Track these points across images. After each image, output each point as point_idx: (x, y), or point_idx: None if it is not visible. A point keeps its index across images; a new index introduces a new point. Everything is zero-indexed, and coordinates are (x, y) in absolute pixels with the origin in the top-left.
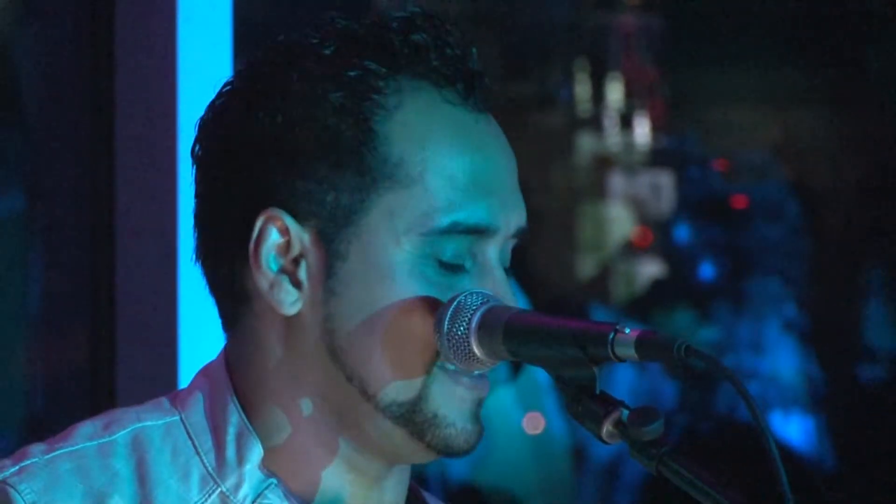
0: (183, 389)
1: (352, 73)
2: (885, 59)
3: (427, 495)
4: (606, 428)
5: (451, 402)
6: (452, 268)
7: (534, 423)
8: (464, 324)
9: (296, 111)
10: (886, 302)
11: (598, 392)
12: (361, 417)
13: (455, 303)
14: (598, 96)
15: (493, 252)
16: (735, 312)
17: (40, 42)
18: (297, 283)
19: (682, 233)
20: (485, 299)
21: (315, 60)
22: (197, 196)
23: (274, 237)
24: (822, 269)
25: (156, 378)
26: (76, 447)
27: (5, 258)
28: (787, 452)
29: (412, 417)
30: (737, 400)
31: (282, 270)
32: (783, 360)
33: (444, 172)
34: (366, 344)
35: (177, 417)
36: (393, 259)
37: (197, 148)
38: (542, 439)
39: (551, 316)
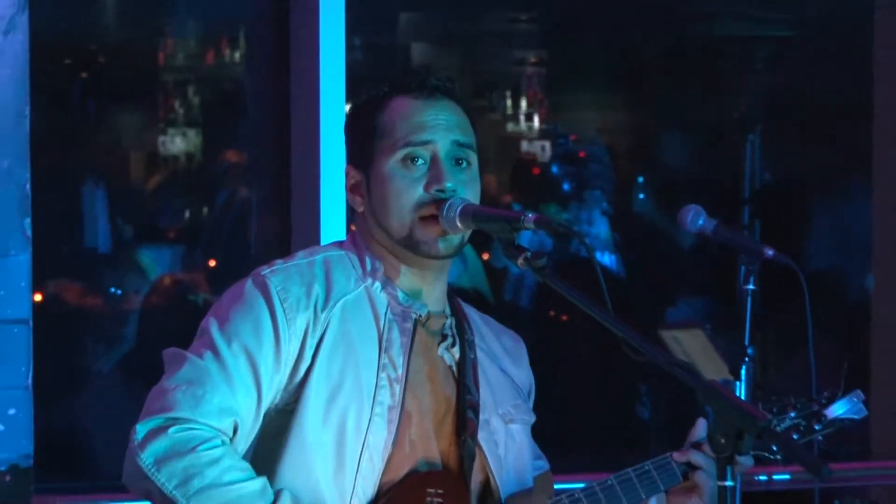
0: (344, 241)
1: (374, 98)
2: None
3: (457, 298)
4: (520, 260)
5: (425, 235)
6: (412, 163)
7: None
8: (454, 209)
9: (355, 116)
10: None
11: (516, 244)
12: (394, 245)
13: (447, 201)
14: (516, 105)
15: (438, 154)
16: (578, 207)
17: (247, 62)
18: (361, 196)
19: (556, 168)
20: (465, 204)
21: (372, 94)
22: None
23: (349, 179)
24: (616, 185)
25: None
26: (296, 262)
27: None
28: (605, 271)
29: (408, 242)
30: (580, 248)
31: (354, 192)
32: (601, 229)
33: (401, 123)
34: (385, 212)
35: (343, 252)
36: (386, 168)
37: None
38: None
39: (489, 207)
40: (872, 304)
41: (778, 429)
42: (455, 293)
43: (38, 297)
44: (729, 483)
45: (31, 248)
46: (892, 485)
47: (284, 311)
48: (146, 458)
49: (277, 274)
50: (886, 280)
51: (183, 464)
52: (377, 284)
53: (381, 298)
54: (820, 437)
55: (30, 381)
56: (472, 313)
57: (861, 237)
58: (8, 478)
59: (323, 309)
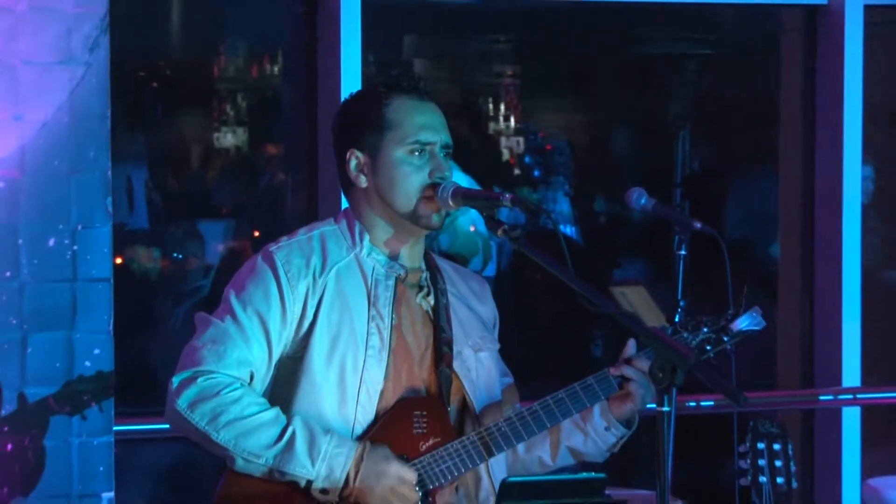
0: (338, 216)
1: (376, 95)
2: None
3: (433, 254)
4: (499, 231)
5: (425, 210)
6: (418, 154)
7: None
8: (447, 192)
9: (360, 107)
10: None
11: (496, 218)
12: (394, 216)
13: (441, 185)
14: (496, 109)
15: (435, 149)
16: (545, 189)
17: (283, 74)
18: (365, 174)
19: (528, 159)
20: (456, 187)
21: (369, 92)
22: (333, 149)
23: (353, 159)
24: (576, 170)
25: None
26: (297, 238)
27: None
28: (566, 240)
29: (409, 215)
30: (547, 221)
31: (359, 171)
32: (563, 206)
33: (407, 119)
34: (392, 190)
35: (336, 227)
36: (396, 156)
37: (333, 125)
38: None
39: (475, 188)
40: (778, 265)
41: (694, 342)
42: (431, 251)
43: (118, 261)
44: (666, 408)
45: (111, 221)
46: (792, 409)
47: (288, 279)
48: (181, 403)
49: (282, 249)
50: (788, 247)
51: (211, 405)
52: (364, 251)
53: (368, 262)
54: (729, 346)
55: (111, 327)
56: (444, 265)
57: (768, 213)
58: (93, 404)
59: (320, 275)
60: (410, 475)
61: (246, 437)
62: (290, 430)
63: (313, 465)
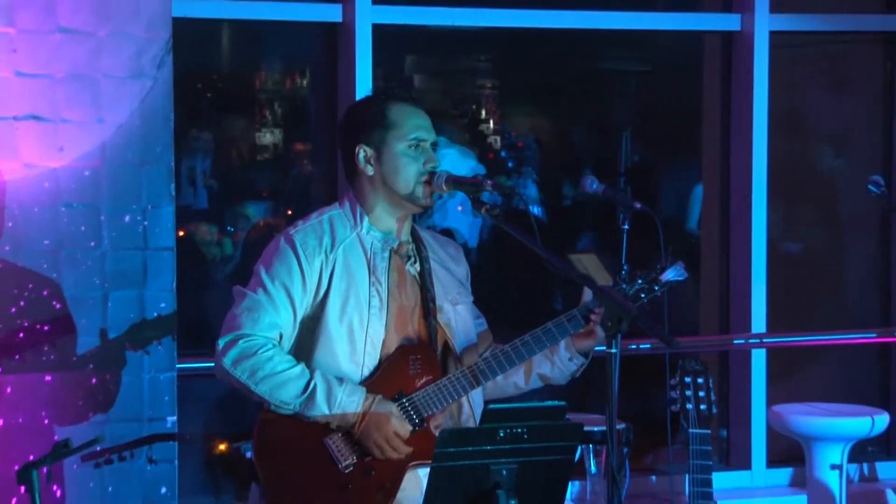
0: (342, 200)
1: (379, 101)
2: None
3: (417, 227)
4: (482, 210)
5: (422, 192)
6: (416, 149)
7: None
8: (441, 178)
9: (365, 111)
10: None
11: (480, 199)
12: (394, 197)
13: (436, 173)
14: (479, 113)
15: (427, 145)
16: (518, 177)
17: (311, 87)
18: (371, 165)
19: (504, 153)
20: (448, 175)
21: (372, 99)
22: (340, 144)
23: (361, 152)
24: (542, 162)
25: None
26: (311, 222)
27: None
28: (535, 217)
29: (409, 197)
30: (519, 203)
31: (366, 162)
32: (532, 191)
33: (406, 121)
34: (396, 177)
35: (341, 210)
36: (398, 149)
37: (341, 126)
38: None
39: (462, 176)
40: (700, 237)
41: (631, 291)
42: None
43: (180, 234)
44: (613, 350)
45: (174, 202)
46: (712, 351)
47: (306, 256)
48: (226, 361)
49: (299, 233)
50: (708, 222)
51: (250, 363)
52: (364, 230)
53: (367, 239)
54: (659, 293)
55: (174, 286)
56: (426, 235)
57: (694, 196)
58: (160, 347)
59: (331, 251)
60: (403, 430)
61: (278, 389)
62: (312, 383)
63: (330, 411)
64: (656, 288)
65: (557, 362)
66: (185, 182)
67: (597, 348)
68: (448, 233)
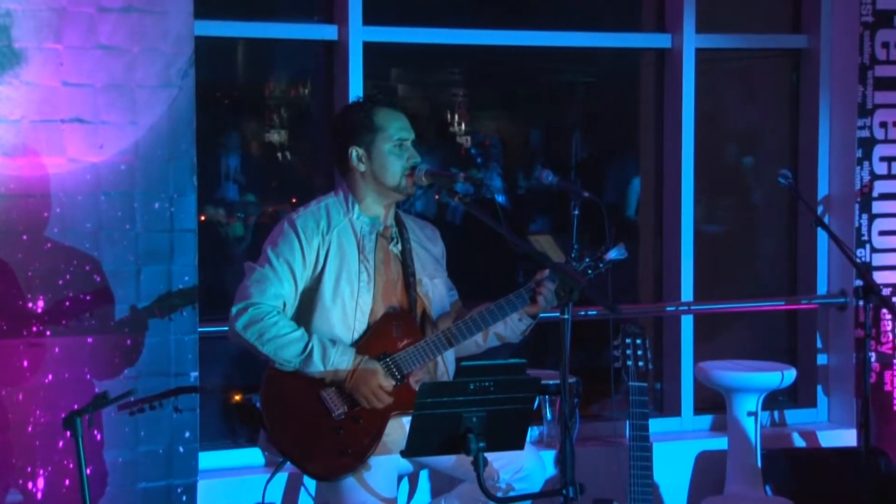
0: (337, 189)
1: (367, 107)
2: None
3: (400, 213)
4: (456, 199)
5: (407, 183)
6: (400, 148)
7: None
8: (421, 171)
9: (356, 117)
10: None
11: (454, 189)
12: (382, 188)
13: (417, 167)
14: (453, 117)
15: (408, 144)
16: (486, 170)
17: (311, 95)
18: (363, 162)
19: (473, 150)
20: (427, 168)
21: (360, 104)
22: (333, 144)
23: (354, 152)
24: (506, 158)
25: None
26: (310, 209)
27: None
28: (500, 206)
29: (396, 188)
30: (487, 192)
31: (359, 160)
32: (497, 183)
33: (391, 124)
34: (384, 172)
35: (336, 198)
36: (385, 149)
37: (333, 129)
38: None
39: (439, 169)
40: (638, 221)
41: (579, 268)
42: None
43: (201, 218)
44: (566, 316)
45: (196, 191)
46: (648, 316)
47: (306, 237)
48: (238, 325)
49: (300, 217)
50: (645, 208)
51: (258, 327)
52: (354, 216)
53: (357, 223)
54: (602, 270)
55: (196, 261)
56: (408, 219)
57: (632, 186)
58: (184, 313)
59: (327, 234)
60: (387, 384)
61: (281, 350)
62: (310, 345)
63: (325, 368)
64: (601, 265)
65: (510, 322)
66: (214, 174)
67: (551, 314)
68: (442, 215)
